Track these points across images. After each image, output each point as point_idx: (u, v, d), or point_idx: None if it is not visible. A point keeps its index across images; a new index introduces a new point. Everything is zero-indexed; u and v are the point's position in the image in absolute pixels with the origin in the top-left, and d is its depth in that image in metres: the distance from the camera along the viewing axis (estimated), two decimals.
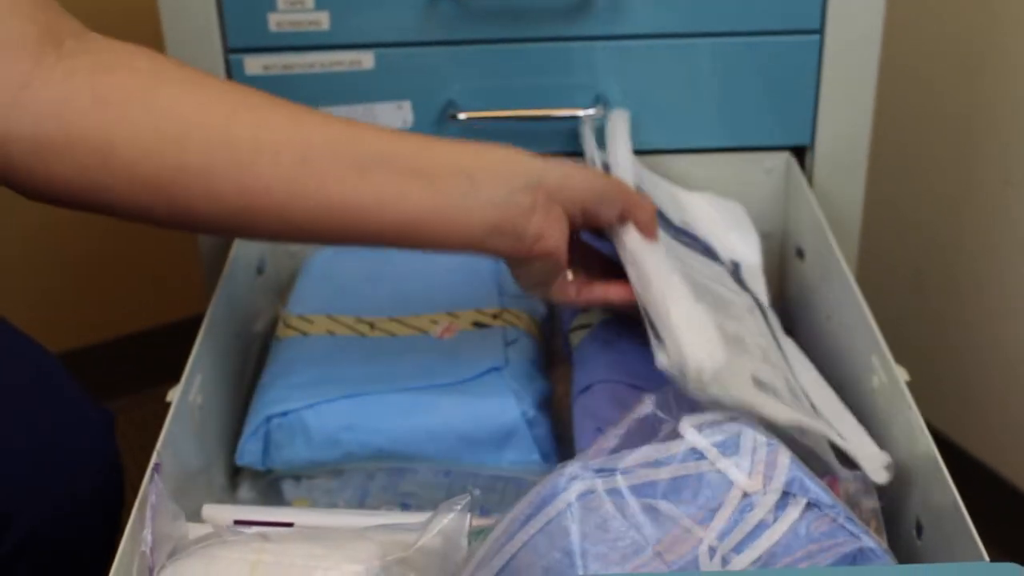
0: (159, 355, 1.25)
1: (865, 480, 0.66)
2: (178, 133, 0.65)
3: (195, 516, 0.68)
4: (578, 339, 0.81)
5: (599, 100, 0.95)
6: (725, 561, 0.54)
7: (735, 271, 0.88)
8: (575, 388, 0.77)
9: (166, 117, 0.65)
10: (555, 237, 0.71)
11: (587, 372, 0.77)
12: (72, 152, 0.64)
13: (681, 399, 0.63)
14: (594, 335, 0.79)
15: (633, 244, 0.73)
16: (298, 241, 0.69)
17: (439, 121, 0.96)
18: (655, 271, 0.72)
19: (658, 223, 0.77)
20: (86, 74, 0.65)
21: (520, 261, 0.73)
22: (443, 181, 0.68)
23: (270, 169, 0.66)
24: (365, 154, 0.68)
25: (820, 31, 0.94)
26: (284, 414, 0.77)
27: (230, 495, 0.80)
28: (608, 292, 0.76)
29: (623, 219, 0.74)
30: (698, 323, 0.68)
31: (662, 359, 0.66)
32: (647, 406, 0.62)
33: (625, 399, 0.71)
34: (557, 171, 0.71)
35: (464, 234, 0.69)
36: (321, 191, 0.67)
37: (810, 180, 0.98)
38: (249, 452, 0.78)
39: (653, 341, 0.68)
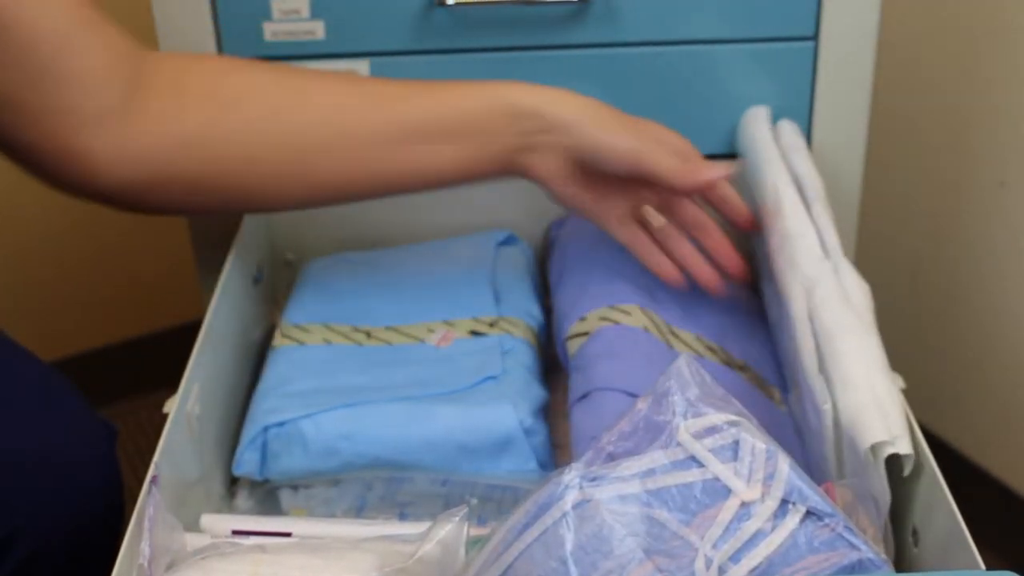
0: (155, 360, 1.26)
1: (861, 489, 0.66)
2: (249, 155, 0.78)
3: (193, 525, 0.68)
4: (575, 347, 0.80)
5: None
6: (722, 571, 0.54)
7: None
8: (573, 396, 0.77)
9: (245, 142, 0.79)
10: (541, 166, 0.81)
11: (585, 380, 0.77)
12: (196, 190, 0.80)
13: (678, 403, 0.62)
14: (592, 343, 0.79)
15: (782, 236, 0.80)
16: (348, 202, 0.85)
17: None
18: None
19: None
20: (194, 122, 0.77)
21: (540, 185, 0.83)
22: (467, 140, 0.80)
23: (324, 162, 0.79)
24: (403, 130, 0.79)
25: (815, 37, 0.94)
26: (281, 424, 0.77)
27: (228, 504, 0.80)
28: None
29: (683, 157, 0.81)
30: (873, 374, 0.66)
31: (826, 410, 0.66)
32: (642, 410, 0.61)
33: (623, 407, 0.71)
34: (554, 106, 0.80)
35: (480, 178, 0.82)
36: (369, 171, 0.80)
37: None
38: (246, 462, 0.78)
39: (806, 382, 0.70)
